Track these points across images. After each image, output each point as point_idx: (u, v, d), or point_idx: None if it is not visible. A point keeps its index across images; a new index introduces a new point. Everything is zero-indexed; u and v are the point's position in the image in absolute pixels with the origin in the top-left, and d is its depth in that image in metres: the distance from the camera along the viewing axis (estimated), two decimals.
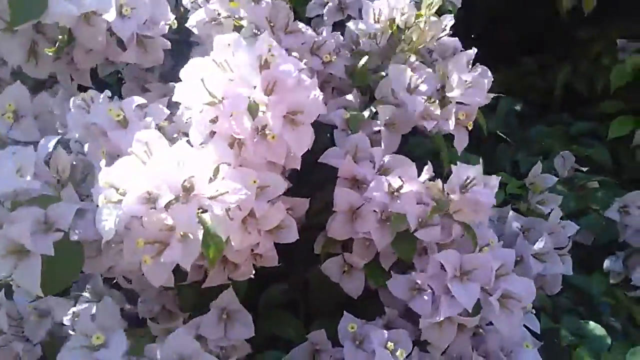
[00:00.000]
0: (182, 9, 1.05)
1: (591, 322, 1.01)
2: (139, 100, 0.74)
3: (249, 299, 0.89)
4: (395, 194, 0.78)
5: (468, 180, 0.75)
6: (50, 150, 0.68)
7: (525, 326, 0.87)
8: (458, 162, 0.77)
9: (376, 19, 0.97)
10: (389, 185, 0.78)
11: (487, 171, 1.23)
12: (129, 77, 1.09)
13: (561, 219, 1.12)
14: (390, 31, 0.97)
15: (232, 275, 0.78)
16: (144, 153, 0.57)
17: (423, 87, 0.86)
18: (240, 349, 0.81)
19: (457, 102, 0.84)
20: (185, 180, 0.55)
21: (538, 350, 0.86)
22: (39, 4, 0.72)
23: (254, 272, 0.81)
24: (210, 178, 0.60)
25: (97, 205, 0.56)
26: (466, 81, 0.82)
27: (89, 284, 0.87)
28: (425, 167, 0.81)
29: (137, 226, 0.55)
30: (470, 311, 0.73)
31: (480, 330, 0.85)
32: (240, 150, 0.67)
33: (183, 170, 0.56)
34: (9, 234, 0.57)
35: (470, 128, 0.85)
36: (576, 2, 1.44)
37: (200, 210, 0.58)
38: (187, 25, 0.97)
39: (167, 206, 0.55)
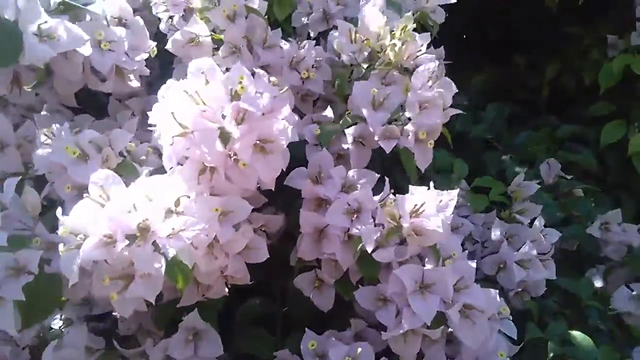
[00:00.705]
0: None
1: (578, 333, 1.03)
2: (93, 134, 0.79)
3: (227, 312, 0.94)
4: (355, 215, 0.82)
5: (417, 207, 0.77)
6: (12, 192, 0.74)
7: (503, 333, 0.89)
8: (411, 187, 0.79)
9: (352, 40, 0.99)
10: (348, 206, 0.82)
11: (474, 176, 1.29)
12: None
13: (545, 226, 1.16)
14: (368, 48, 0.99)
15: (206, 295, 0.83)
16: (99, 197, 0.62)
17: (388, 104, 0.88)
18: None
19: (418, 122, 0.85)
20: (139, 223, 0.60)
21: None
22: (14, 49, 0.77)
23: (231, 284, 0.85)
24: (171, 210, 0.65)
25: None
26: (422, 99, 0.84)
27: None
28: (386, 184, 0.83)
29: (102, 263, 0.61)
30: (429, 324, 0.77)
31: (454, 338, 0.86)
32: (212, 175, 0.71)
33: (137, 214, 0.61)
34: None
35: (432, 146, 0.87)
36: None
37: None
38: (166, 47, 1.01)
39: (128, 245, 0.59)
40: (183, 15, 1.03)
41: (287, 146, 0.78)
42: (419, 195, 0.79)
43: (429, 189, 0.80)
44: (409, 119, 0.87)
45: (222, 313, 0.92)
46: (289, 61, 1.03)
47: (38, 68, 0.86)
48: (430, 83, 0.86)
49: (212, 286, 0.81)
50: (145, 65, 0.97)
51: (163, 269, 0.62)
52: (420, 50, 0.96)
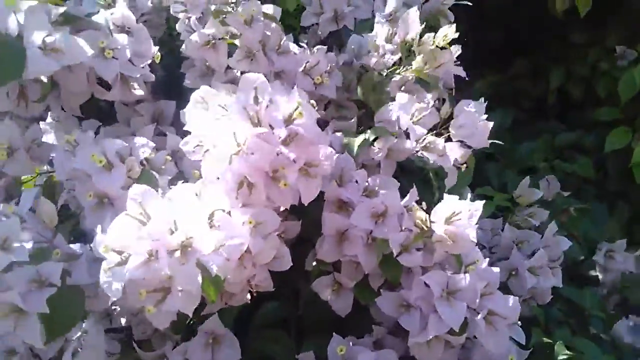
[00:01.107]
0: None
1: (584, 339, 1.06)
2: (120, 143, 0.79)
3: (241, 316, 0.92)
4: (379, 219, 0.82)
5: (454, 214, 0.79)
6: (30, 204, 0.72)
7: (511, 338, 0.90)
8: (445, 195, 0.81)
9: (389, 39, 1.00)
10: (373, 210, 0.82)
11: (475, 186, 1.30)
12: None
13: None
14: (399, 53, 1.01)
15: (229, 302, 0.82)
16: (139, 214, 0.61)
17: (425, 120, 0.91)
18: None
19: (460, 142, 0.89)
20: (183, 241, 0.59)
21: None
22: (17, 64, 0.74)
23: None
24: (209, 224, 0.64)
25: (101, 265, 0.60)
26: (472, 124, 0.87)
27: None
28: (410, 192, 0.84)
29: (139, 277, 0.59)
30: (457, 330, 0.77)
31: (467, 343, 0.88)
32: (250, 191, 0.72)
33: (180, 233, 0.60)
34: (3, 298, 0.62)
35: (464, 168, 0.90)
36: (569, 4, 1.46)
37: None
38: (181, 49, 1.01)
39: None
40: (199, 17, 1.02)
41: None
42: (454, 204, 0.80)
43: (460, 198, 0.81)
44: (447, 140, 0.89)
45: (237, 317, 0.91)
46: (302, 67, 1.04)
47: (43, 81, 0.84)
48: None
49: (235, 294, 0.81)
50: (150, 70, 0.96)
51: (200, 281, 0.61)
52: (453, 61, 0.97)
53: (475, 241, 0.78)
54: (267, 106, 0.70)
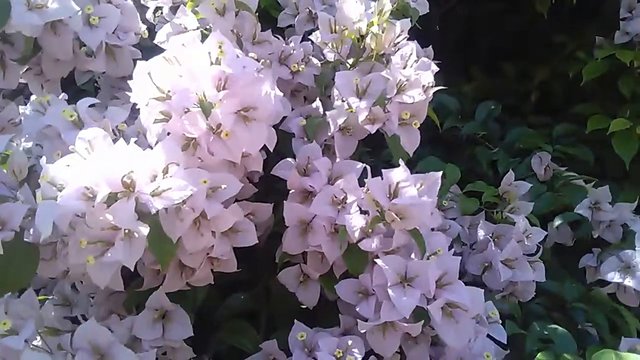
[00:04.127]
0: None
1: (559, 327, 1.04)
2: (92, 100, 0.80)
3: (209, 309, 0.95)
4: (341, 205, 0.83)
5: (394, 187, 0.77)
6: (2, 150, 0.74)
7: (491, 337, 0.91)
8: (383, 170, 0.79)
9: (332, 30, 1.03)
10: (334, 197, 0.83)
11: (467, 175, 1.31)
12: (105, 85, 1.16)
13: (543, 217, 1.20)
14: (350, 40, 1.03)
15: (190, 281, 0.82)
16: (85, 150, 0.63)
17: (372, 91, 0.89)
18: (181, 352, 0.84)
19: (399, 102, 0.87)
20: (124, 176, 0.60)
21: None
22: (2, 14, 0.77)
23: (217, 281, 0.85)
24: (155, 176, 0.65)
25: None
26: (401, 79, 0.86)
27: (56, 287, 0.93)
28: (368, 174, 0.83)
29: (81, 226, 0.61)
30: (407, 317, 0.76)
31: (439, 340, 0.87)
32: (195, 150, 0.72)
33: (122, 166, 0.60)
34: None
35: (417, 126, 0.88)
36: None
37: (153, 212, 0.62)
38: (154, 41, 1.03)
39: (109, 204, 0.60)
40: (172, 7, 1.06)
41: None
42: (392, 176, 0.78)
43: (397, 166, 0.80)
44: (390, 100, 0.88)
45: (204, 309, 0.93)
46: (278, 56, 1.07)
47: (26, 41, 0.86)
48: (408, 63, 0.88)
49: (195, 270, 0.80)
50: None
51: (146, 233, 0.62)
52: (400, 35, 0.98)
53: (419, 204, 0.77)
54: (184, 45, 0.71)
